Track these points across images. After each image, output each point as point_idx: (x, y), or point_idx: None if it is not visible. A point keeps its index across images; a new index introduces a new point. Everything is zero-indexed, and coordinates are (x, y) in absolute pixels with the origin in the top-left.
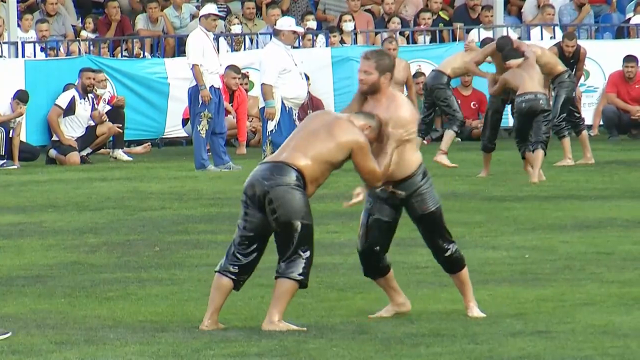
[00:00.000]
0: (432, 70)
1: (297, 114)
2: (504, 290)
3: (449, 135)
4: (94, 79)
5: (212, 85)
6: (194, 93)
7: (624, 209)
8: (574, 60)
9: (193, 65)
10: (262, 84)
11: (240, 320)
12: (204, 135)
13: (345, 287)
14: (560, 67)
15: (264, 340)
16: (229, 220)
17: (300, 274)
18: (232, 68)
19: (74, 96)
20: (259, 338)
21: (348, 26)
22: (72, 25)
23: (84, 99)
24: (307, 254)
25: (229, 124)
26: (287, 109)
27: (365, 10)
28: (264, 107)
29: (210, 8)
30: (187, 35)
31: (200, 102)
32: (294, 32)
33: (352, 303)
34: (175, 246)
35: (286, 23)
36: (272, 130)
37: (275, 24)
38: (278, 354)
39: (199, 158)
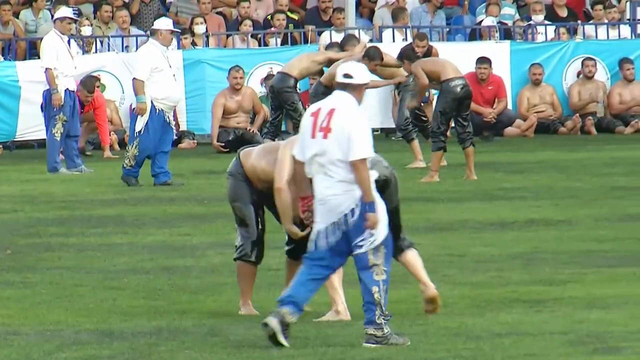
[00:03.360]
0: (278, 73)
1: (170, 117)
2: (357, 291)
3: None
4: None
5: (67, 88)
6: (48, 96)
7: (476, 211)
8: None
9: (46, 68)
10: (133, 79)
11: (92, 322)
12: (58, 138)
13: (197, 289)
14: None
15: (116, 342)
16: (81, 223)
17: None
18: (85, 86)
19: None
20: (111, 341)
21: (200, 29)
22: None
23: None
24: None
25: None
26: (157, 110)
27: (217, 13)
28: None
29: (66, 11)
30: (40, 39)
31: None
32: (172, 32)
33: (204, 305)
34: (27, 249)
35: (163, 23)
36: (141, 130)
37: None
38: (130, 356)
39: (52, 161)
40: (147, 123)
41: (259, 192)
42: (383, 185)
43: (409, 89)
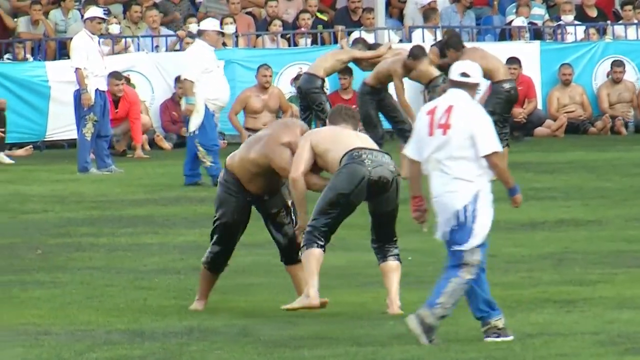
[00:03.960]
0: (305, 74)
1: (217, 118)
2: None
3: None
4: None
5: (97, 88)
6: (78, 96)
7: (507, 211)
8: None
9: (76, 68)
10: (183, 80)
11: (123, 323)
12: (89, 139)
13: (228, 289)
14: (434, 71)
15: (147, 342)
16: (111, 223)
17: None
18: (114, 75)
19: None
20: (142, 340)
21: (229, 29)
22: None
23: None
24: None
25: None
26: (208, 109)
27: (247, 13)
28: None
29: (96, 11)
30: (70, 39)
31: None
32: (218, 32)
33: (235, 306)
34: (57, 249)
35: (210, 24)
36: (194, 132)
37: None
38: (161, 356)
39: (82, 161)
40: (203, 123)
41: (249, 198)
42: (383, 188)
43: (437, 90)
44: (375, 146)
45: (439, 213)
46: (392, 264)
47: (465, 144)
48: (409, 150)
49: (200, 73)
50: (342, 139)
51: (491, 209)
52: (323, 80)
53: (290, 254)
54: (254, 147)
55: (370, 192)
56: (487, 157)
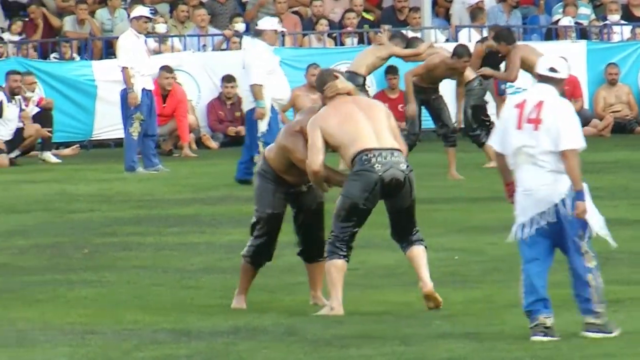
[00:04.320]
0: (346, 72)
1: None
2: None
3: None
4: (21, 81)
5: (144, 88)
6: (125, 96)
7: None
8: (501, 54)
9: (123, 68)
10: (252, 85)
11: (169, 322)
12: (135, 138)
13: (274, 288)
14: (469, 74)
15: (193, 342)
16: (158, 222)
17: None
18: (165, 68)
19: (1, 99)
20: (188, 340)
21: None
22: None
23: (12, 101)
24: None
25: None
26: (274, 109)
27: (293, 12)
28: (252, 109)
29: (142, 10)
30: (116, 38)
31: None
32: (276, 31)
33: (282, 305)
34: (103, 248)
35: (268, 23)
36: (264, 131)
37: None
38: (207, 356)
39: (129, 160)
40: (269, 122)
41: (286, 189)
42: (396, 188)
43: (473, 92)
44: (383, 132)
45: (530, 207)
46: (416, 249)
47: (556, 139)
48: (493, 142)
49: (266, 75)
50: (350, 127)
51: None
52: (364, 78)
53: (311, 254)
54: (290, 137)
55: (384, 193)
56: (563, 152)
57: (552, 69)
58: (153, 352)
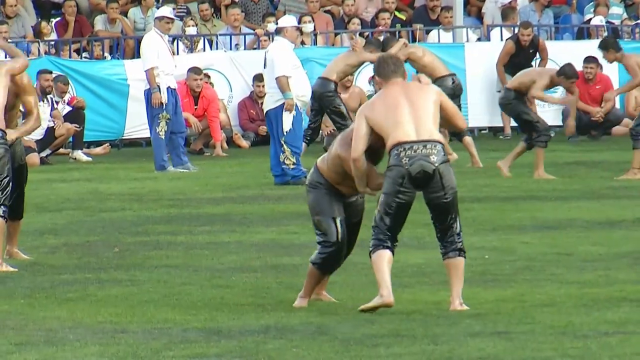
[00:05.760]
0: (318, 78)
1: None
2: (463, 290)
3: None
4: (54, 87)
5: (169, 87)
6: (149, 95)
7: (584, 209)
8: (532, 50)
9: (147, 69)
10: (278, 78)
11: (199, 321)
12: (163, 137)
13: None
14: (443, 70)
15: (224, 340)
16: (189, 221)
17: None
18: (193, 70)
19: None
20: (219, 339)
21: (308, 27)
22: (32, 27)
23: (43, 100)
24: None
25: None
26: (298, 108)
27: (325, 11)
28: (272, 109)
29: (165, 11)
30: None
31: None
32: (297, 28)
33: (312, 304)
34: (134, 247)
35: (288, 21)
36: (289, 130)
37: (232, 24)
38: (237, 354)
39: (159, 159)
40: (292, 122)
41: (341, 199)
42: (425, 180)
43: (447, 90)
44: (424, 122)
45: None
46: (451, 261)
47: None
48: None
49: (291, 68)
50: (391, 117)
51: None
52: (336, 84)
53: (326, 266)
54: (344, 146)
55: (416, 185)
56: None
57: None
58: (183, 351)
